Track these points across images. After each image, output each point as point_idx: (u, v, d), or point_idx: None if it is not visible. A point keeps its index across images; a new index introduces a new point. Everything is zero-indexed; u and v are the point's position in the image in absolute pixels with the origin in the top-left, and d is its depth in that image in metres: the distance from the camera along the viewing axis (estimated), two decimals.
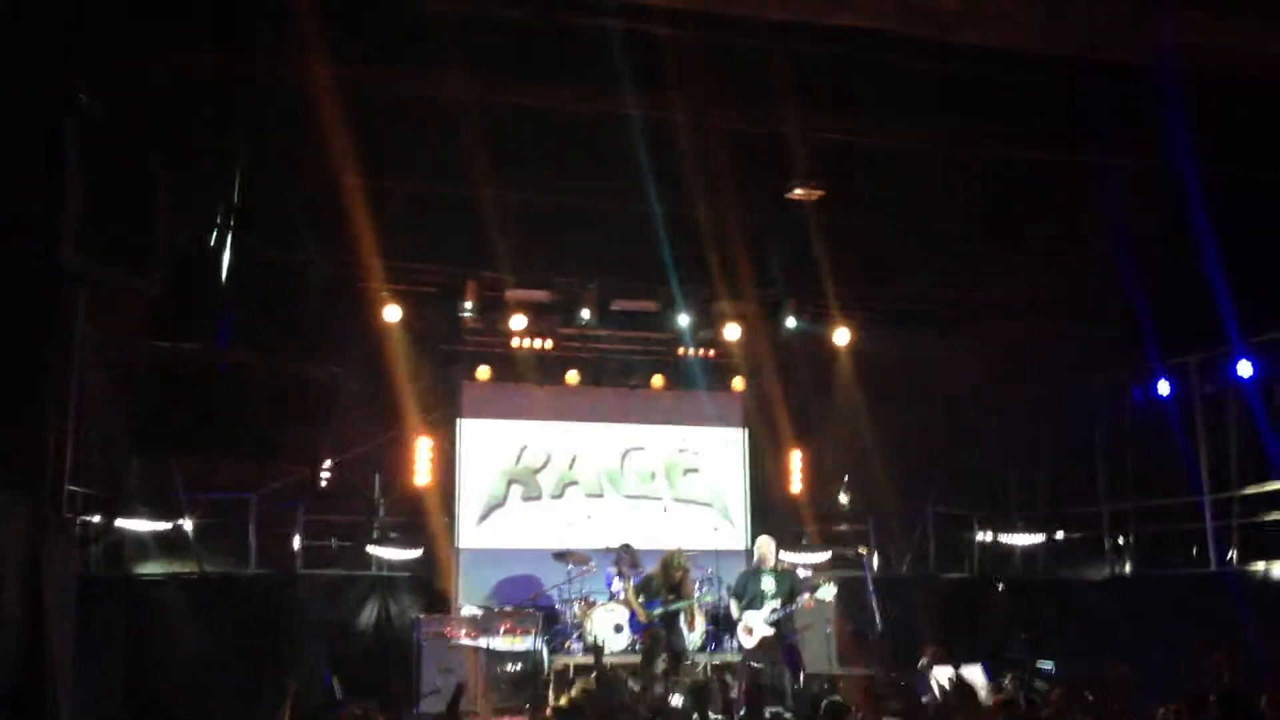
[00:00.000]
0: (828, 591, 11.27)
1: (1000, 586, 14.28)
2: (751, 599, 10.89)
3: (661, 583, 11.16)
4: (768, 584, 10.93)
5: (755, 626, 10.82)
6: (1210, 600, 11.95)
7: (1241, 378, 12.33)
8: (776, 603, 10.80)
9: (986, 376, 14.35)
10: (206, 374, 10.54)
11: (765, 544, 11.37)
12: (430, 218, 11.03)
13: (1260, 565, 12.09)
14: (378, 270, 12.00)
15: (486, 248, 11.73)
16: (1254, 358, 12.18)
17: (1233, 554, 12.61)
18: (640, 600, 11.27)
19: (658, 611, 10.98)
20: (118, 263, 6.62)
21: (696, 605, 11.79)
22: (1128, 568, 13.90)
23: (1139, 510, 13.75)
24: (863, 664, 12.04)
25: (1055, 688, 9.64)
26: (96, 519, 10.78)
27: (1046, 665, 11.91)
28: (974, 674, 10.27)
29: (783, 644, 10.89)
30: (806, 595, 11.00)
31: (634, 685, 10.74)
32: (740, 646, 11.11)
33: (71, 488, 9.67)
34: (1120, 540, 14.01)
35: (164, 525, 11.41)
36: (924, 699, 9.83)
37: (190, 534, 11.62)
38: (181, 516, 11.52)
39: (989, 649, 12.11)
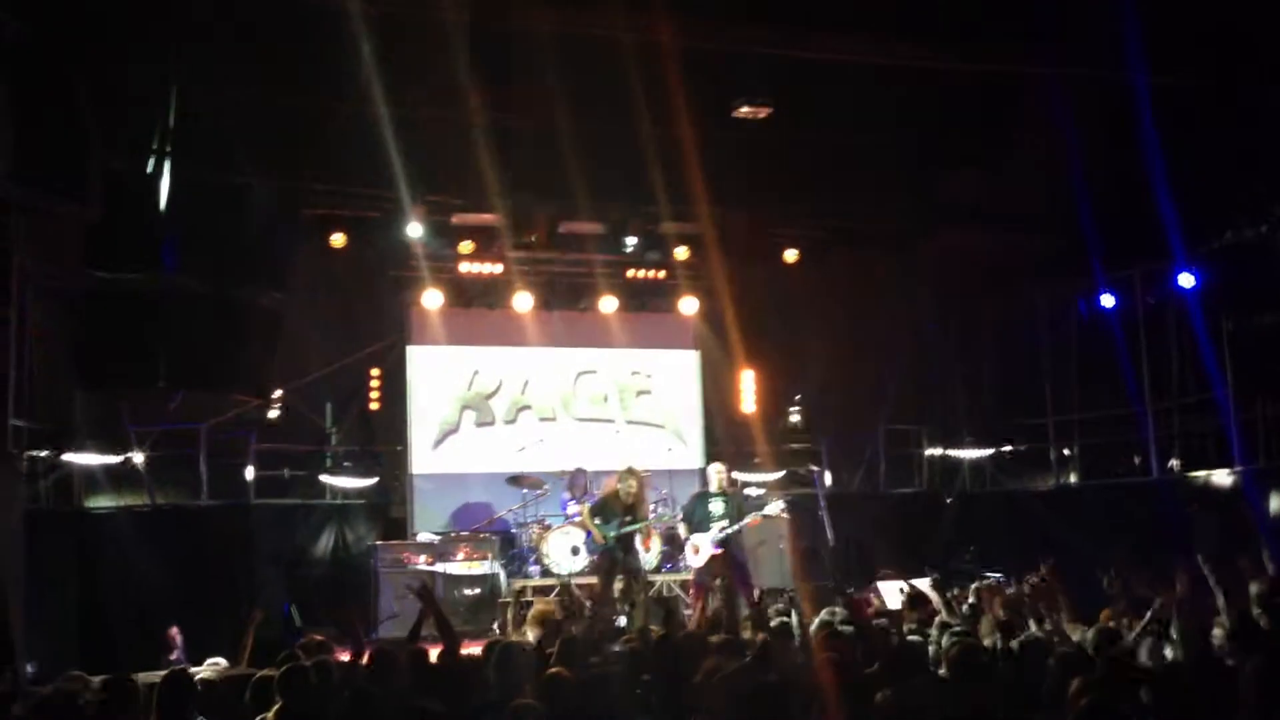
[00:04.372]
0: (775, 508, 11.37)
1: (949, 500, 14.54)
2: (700, 522, 10.97)
3: (616, 504, 11.20)
4: (715, 507, 10.99)
5: (702, 546, 10.92)
6: (1152, 508, 12.25)
7: (1183, 288, 12.52)
8: (724, 523, 10.89)
9: (934, 293, 14.45)
10: (150, 302, 10.32)
11: (715, 471, 11.44)
12: (375, 140, 10.81)
13: (1200, 473, 12.40)
14: (322, 195, 11.77)
15: (433, 171, 11.55)
16: (1195, 269, 12.33)
17: (1174, 463, 12.93)
18: (596, 522, 11.32)
19: (613, 533, 11.04)
20: (52, 188, 6.46)
21: (651, 526, 11.87)
22: (1072, 478, 14.21)
23: (1083, 422, 14.02)
24: (815, 578, 12.23)
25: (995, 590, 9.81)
26: (44, 453, 10.61)
27: (994, 575, 12.17)
28: (923, 587, 10.45)
29: (731, 562, 11.02)
30: (754, 513, 11.10)
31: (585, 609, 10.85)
32: (689, 566, 11.24)
33: (16, 422, 9.54)
34: (1065, 451, 14.29)
35: (113, 458, 11.28)
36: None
37: (141, 466, 11.49)
38: (131, 449, 11.38)
39: (938, 561, 12.35)
